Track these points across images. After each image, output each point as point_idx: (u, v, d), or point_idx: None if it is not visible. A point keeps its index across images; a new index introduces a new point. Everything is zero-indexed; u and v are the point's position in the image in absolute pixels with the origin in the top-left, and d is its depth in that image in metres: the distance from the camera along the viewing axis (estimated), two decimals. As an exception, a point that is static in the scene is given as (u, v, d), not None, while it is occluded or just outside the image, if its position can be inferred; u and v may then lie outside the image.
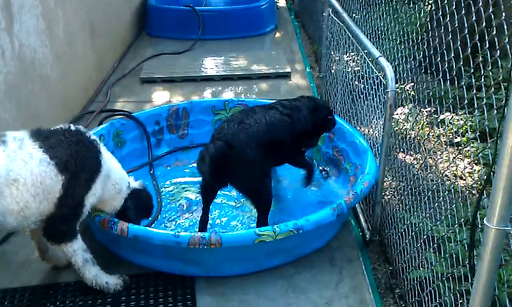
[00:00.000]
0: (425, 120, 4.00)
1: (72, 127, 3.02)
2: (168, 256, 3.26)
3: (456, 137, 4.36)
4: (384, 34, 4.32)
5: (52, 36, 4.82)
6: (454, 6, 2.82)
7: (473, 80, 2.59)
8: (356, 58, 4.70)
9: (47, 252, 3.26)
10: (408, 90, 3.91)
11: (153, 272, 3.31)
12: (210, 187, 3.59)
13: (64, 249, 2.99)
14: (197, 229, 3.66)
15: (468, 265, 2.21)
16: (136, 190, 3.35)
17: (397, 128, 3.95)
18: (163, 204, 4.01)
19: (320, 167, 4.45)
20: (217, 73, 6.57)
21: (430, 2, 3.90)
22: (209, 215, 3.70)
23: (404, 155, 3.81)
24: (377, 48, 3.81)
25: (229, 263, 3.26)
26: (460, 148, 3.76)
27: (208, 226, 3.73)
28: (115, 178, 3.17)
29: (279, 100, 3.98)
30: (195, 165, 4.46)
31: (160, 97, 6.03)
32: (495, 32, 2.28)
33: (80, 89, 5.60)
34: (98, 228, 3.25)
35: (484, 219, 1.88)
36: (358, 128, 4.35)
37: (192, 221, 3.85)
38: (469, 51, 2.59)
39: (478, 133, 2.65)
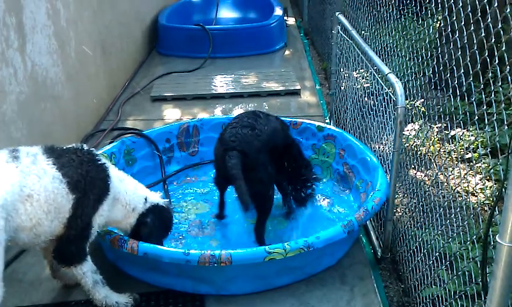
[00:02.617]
0: (435, 136, 3.98)
1: (84, 147, 3.04)
2: (178, 274, 3.25)
3: (467, 153, 4.33)
4: (394, 51, 4.32)
5: (64, 55, 4.89)
6: (463, 23, 2.82)
7: (484, 95, 2.58)
8: (365, 75, 4.70)
9: (59, 270, 3.26)
10: (418, 106, 3.90)
11: (164, 291, 3.30)
12: (223, 183, 3.83)
13: (74, 271, 2.98)
14: (207, 249, 3.66)
15: (480, 283, 2.18)
16: (154, 207, 3.28)
17: (407, 145, 3.93)
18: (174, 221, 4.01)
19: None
20: (227, 91, 6.61)
21: (439, 18, 3.91)
22: (224, 200, 4.04)
23: (415, 172, 3.79)
24: (386, 64, 3.81)
25: (239, 281, 3.24)
26: (471, 164, 3.73)
27: (217, 244, 3.75)
28: (125, 200, 3.15)
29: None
30: (204, 179, 4.55)
31: (171, 115, 6.07)
32: (504, 47, 2.27)
33: (91, 107, 5.65)
34: (109, 246, 3.26)
35: (497, 236, 1.85)
36: (368, 145, 4.34)
37: (202, 238, 3.85)
38: (479, 67, 2.58)
39: (489, 149, 2.63)
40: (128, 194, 3.18)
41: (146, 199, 3.26)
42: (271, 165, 3.67)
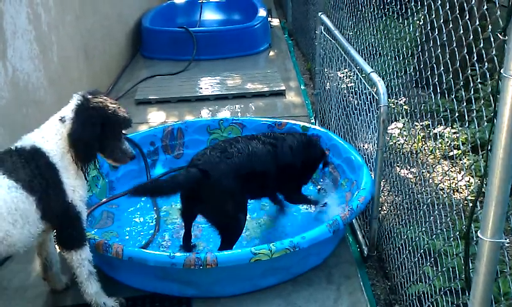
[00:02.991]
0: (419, 134, 4.00)
1: (18, 145, 2.87)
2: (164, 278, 3.24)
3: (451, 150, 4.36)
4: (376, 50, 4.34)
5: (45, 60, 4.84)
6: (442, 21, 2.84)
7: (463, 92, 2.60)
8: (349, 74, 4.72)
9: (51, 270, 3.24)
10: (401, 105, 3.92)
11: (150, 294, 3.28)
12: (186, 210, 3.60)
13: (73, 257, 2.94)
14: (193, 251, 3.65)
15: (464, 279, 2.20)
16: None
17: (391, 143, 3.95)
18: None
19: (318, 186, 4.43)
20: (212, 93, 6.59)
21: (420, 17, 3.94)
22: (191, 233, 3.71)
23: (399, 170, 3.81)
24: (369, 64, 3.83)
25: (226, 283, 3.23)
26: (453, 161, 3.76)
27: (203, 246, 3.72)
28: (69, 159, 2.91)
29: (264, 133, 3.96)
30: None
31: (156, 118, 6.04)
32: (482, 44, 2.29)
33: (75, 112, 5.59)
34: (94, 251, 3.23)
35: (478, 231, 1.87)
36: (353, 144, 4.36)
37: (188, 242, 3.84)
38: (458, 64, 2.60)
39: (470, 146, 2.66)
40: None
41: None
42: (243, 193, 3.43)
